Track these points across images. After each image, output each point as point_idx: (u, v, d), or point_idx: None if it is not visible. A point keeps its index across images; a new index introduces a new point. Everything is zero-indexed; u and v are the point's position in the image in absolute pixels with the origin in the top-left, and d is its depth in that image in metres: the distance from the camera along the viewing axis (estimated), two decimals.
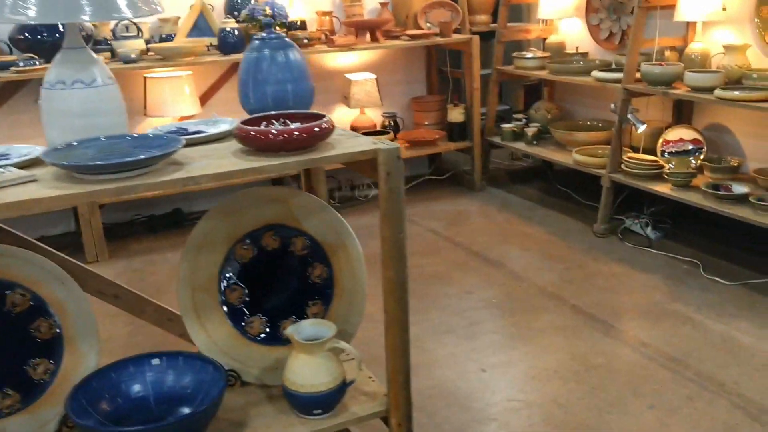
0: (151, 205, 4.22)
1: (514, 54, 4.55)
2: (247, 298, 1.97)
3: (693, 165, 3.61)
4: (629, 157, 3.70)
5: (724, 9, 3.48)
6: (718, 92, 3.18)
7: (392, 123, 4.73)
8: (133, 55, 3.63)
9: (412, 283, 3.29)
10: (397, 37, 4.42)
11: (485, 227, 4.03)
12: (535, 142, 4.46)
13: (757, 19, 3.40)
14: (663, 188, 3.50)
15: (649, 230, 3.74)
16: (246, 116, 1.81)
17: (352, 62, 4.66)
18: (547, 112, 4.65)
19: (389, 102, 4.85)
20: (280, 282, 2.00)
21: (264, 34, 1.91)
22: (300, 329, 1.77)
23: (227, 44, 3.87)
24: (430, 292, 3.20)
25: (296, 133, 1.59)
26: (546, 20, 4.66)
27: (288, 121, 1.73)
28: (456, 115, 4.62)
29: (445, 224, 4.08)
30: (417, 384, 2.48)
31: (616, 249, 3.63)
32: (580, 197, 4.31)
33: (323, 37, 4.20)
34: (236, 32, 3.87)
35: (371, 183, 4.71)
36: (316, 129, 1.62)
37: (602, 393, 2.40)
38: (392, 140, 4.41)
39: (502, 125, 4.65)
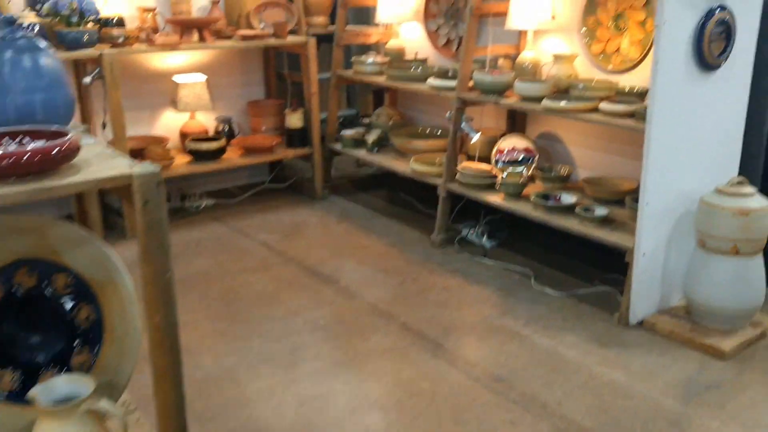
0: None
1: (353, 58, 4.39)
2: None
3: (525, 174, 3.59)
4: (463, 167, 3.63)
5: (553, 18, 3.49)
6: (545, 103, 3.16)
7: (226, 128, 4.44)
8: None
9: (235, 305, 3.08)
10: (228, 37, 4.14)
11: (322, 240, 3.84)
12: (375, 150, 4.33)
13: (584, 29, 3.42)
14: (495, 198, 3.46)
15: (484, 239, 3.70)
16: None
17: (181, 63, 4.33)
18: (388, 118, 4.53)
19: (224, 105, 4.56)
20: (38, 326, 1.69)
21: (5, 32, 1.59)
22: (51, 388, 1.48)
23: None
24: (253, 316, 2.96)
25: (28, 155, 1.31)
26: (386, 24, 4.54)
27: (29, 139, 1.44)
28: (294, 120, 4.40)
29: (279, 237, 3.85)
30: (225, 424, 2.25)
31: (452, 259, 3.55)
32: (422, 206, 4.23)
33: (143, 35, 3.84)
34: (37, 27, 3.44)
35: (203, 192, 4.41)
36: (56, 150, 1.34)
37: (423, 423, 2.26)
38: (224, 146, 4.13)
39: (342, 132, 4.49)
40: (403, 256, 3.60)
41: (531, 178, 3.57)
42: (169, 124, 4.36)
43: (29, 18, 3.45)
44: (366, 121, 4.66)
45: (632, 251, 2.79)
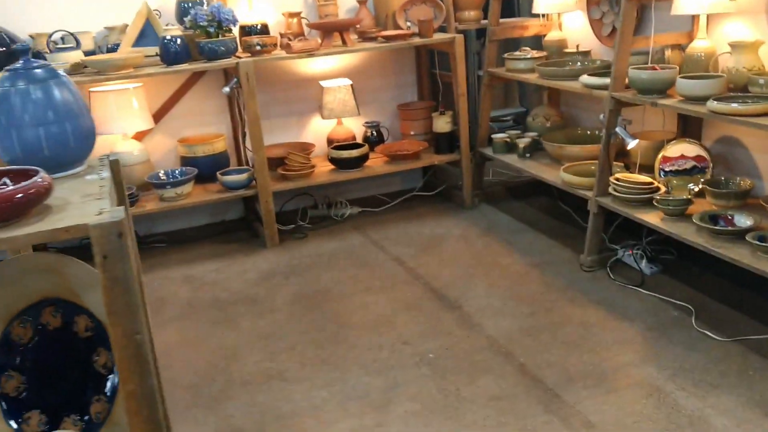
0: None
1: (506, 55, 4.00)
2: (26, 388, 1.60)
3: (691, 188, 3.01)
4: (616, 179, 3.12)
5: None
6: (711, 104, 2.58)
7: (374, 133, 4.28)
8: (61, 70, 3.31)
9: (347, 330, 2.88)
10: (373, 39, 3.96)
11: (458, 256, 3.53)
12: (527, 155, 3.92)
13: None
14: (652, 217, 2.92)
15: (644, 264, 3.16)
16: None
17: (330, 67, 4.24)
18: (545, 120, 4.09)
19: (375, 110, 4.40)
20: (63, 369, 1.61)
21: (20, 63, 1.50)
22: None
23: (169, 54, 3.52)
24: (361, 343, 2.75)
25: None
26: (546, 15, 4.09)
27: (7, 181, 1.33)
28: (442, 124, 4.12)
29: (415, 251, 3.61)
30: None
31: (600, 287, 3.07)
32: (581, 219, 3.73)
33: (282, 41, 3.79)
34: (178, 41, 3.51)
35: (350, 200, 4.28)
36: (18, 196, 1.22)
37: None
38: (367, 154, 3.97)
39: (493, 135, 4.12)
40: (543, 279, 3.19)
41: (700, 193, 2.98)
42: (317, 130, 4.29)
43: (173, 31, 3.52)
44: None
45: None
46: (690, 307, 2.79)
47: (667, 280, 3.06)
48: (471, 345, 2.68)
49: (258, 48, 3.64)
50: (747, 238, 2.50)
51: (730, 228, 2.64)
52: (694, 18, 3.12)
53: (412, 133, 4.31)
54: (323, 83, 4.08)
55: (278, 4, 4.03)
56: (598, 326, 2.74)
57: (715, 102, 2.57)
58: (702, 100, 2.69)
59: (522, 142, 3.91)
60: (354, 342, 2.76)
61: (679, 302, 2.84)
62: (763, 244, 2.44)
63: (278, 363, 2.65)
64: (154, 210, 3.61)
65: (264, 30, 3.87)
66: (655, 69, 2.95)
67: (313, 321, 2.95)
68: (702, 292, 2.92)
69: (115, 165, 1.59)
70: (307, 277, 3.38)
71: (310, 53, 3.71)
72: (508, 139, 4.06)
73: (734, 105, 2.51)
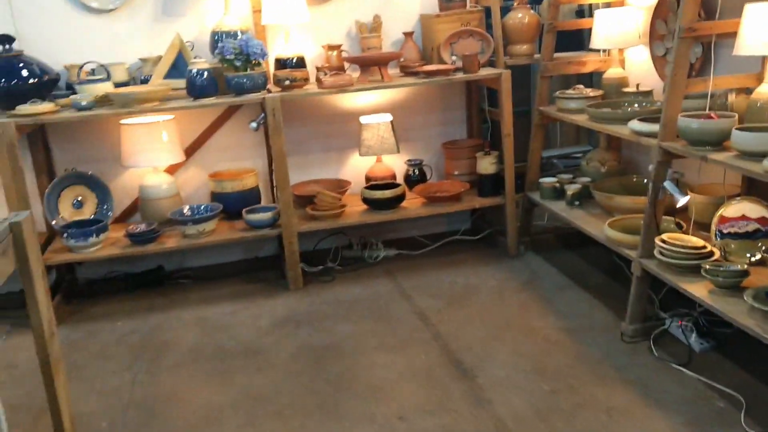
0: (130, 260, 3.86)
1: (557, 93, 3.66)
2: None
3: (752, 256, 2.58)
4: (663, 240, 2.73)
5: None
6: (766, 163, 2.19)
7: (416, 172, 4.03)
8: (84, 102, 3.27)
9: (344, 394, 2.57)
10: (415, 74, 3.73)
11: (487, 313, 3.21)
12: (576, 203, 3.56)
13: None
14: (700, 288, 2.52)
15: (693, 338, 2.75)
16: None
17: (372, 101, 4.03)
18: (600, 164, 3.71)
19: (419, 147, 4.16)
20: None
21: None
22: None
23: (195, 87, 3.41)
24: (353, 412, 2.50)
25: None
26: (605, 49, 3.73)
27: None
28: (486, 165, 3.82)
29: (442, 304, 3.32)
30: None
31: (639, 362, 2.68)
32: None
33: (317, 75, 3.61)
34: (205, 74, 3.40)
35: (386, 241, 4.04)
36: None
37: None
38: (403, 194, 3.73)
39: (541, 180, 3.78)
40: (575, 348, 2.83)
41: (761, 261, 2.56)
42: (357, 166, 4.09)
43: (200, 64, 3.42)
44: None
45: None
46: (740, 397, 2.37)
47: (718, 360, 2.64)
48: (475, 428, 2.37)
49: (287, 83, 3.48)
50: None
51: None
52: (764, 58, 2.70)
53: (456, 173, 4.03)
54: (362, 119, 3.88)
55: (320, 36, 3.87)
56: (626, 412, 2.37)
57: None
58: (759, 156, 2.30)
59: (571, 189, 3.56)
60: (346, 411, 2.51)
61: (728, 390, 2.43)
62: None
63: (259, 430, 2.43)
64: (174, 247, 3.50)
65: (300, 63, 3.71)
66: (711, 117, 2.56)
67: (310, 382, 2.72)
68: (755, 379, 2.49)
69: (16, 228, 1.42)
70: (320, 327, 3.16)
71: (341, 89, 3.51)
72: (557, 184, 3.71)
73: None
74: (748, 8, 2.51)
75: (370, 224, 3.81)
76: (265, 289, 3.66)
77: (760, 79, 2.72)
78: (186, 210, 3.65)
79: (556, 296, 3.32)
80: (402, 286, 3.57)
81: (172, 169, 3.83)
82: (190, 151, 3.88)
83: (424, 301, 3.36)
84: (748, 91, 2.76)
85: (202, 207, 3.68)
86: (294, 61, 3.71)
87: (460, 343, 2.94)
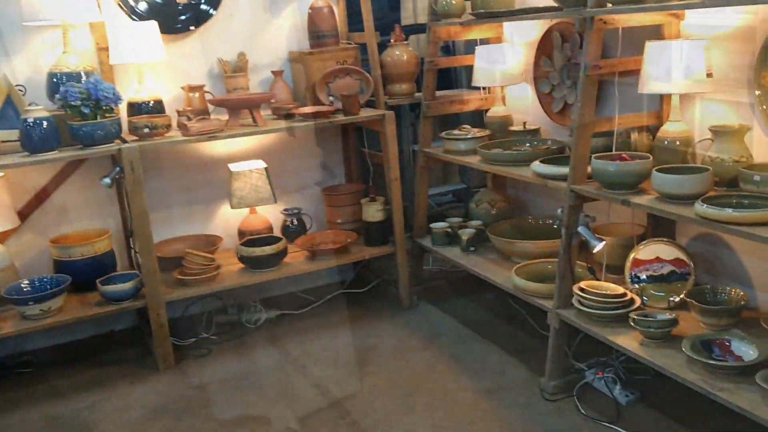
0: None
1: (443, 133, 3.47)
2: None
3: (673, 300, 2.48)
4: (581, 288, 2.57)
5: (709, 75, 2.38)
6: (700, 208, 2.07)
7: (294, 222, 3.67)
8: None
9: None
10: (289, 116, 3.38)
11: (395, 378, 2.90)
12: (472, 249, 3.36)
13: (758, 91, 2.31)
14: (628, 340, 2.37)
15: (617, 390, 2.60)
16: None
17: (243, 147, 3.63)
18: (490, 206, 3.55)
19: (296, 195, 3.80)
20: None
21: None
22: None
23: (32, 140, 2.85)
24: None
25: None
26: (487, 87, 3.60)
27: None
28: (372, 212, 3.53)
29: (342, 373, 2.97)
30: None
31: (568, 424, 2.48)
32: (537, 324, 3.16)
33: (179, 120, 3.17)
34: (44, 123, 2.85)
35: (265, 301, 3.63)
36: None
37: None
38: (285, 249, 3.34)
39: (432, 225, 3.56)
40: (497, 414, 2.58)
41: (681, 303, 2.46)
42: (227, 219, 3.66)
43: (37, 112, 2.86)
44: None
45: None
46: None
47: (644, 412, 2.50)
48: None
49: (146, 131, 3.00)
50: (757, 380, 1.95)
51: (731, 363, 2.10)
52: (662, 97, 2.65)
53: (339, 221, 3.71)
54: (231, 166, 3.46)
55: (178, 76, 3.43)
56: None
57: (705, 205, 2.06)
58: (684, 199, 2.19)
59: (465, 234, 3.36)
60: None
61: None
62: None
63: None
64: (11, 333, 2.88)
65: (158, 107, 3.25)
66: (624, 158, 2.44)
67: None
68: (688, 427, 2.36)
69: None
70: (205, 416, 2.69)
71: (212, 135, 3.10)
72: (449, 229, 3.50)
73: (730, 211, 2.00)
74: (649, 46, 2.44)
75: (247, 285, 3.38)
76: (129, 371, 3.11)
77: (660, 117, 2.67)
78: (25, 285, 3.04)
79: (462, 352, 3.08)
80: (291, 354, 3.17)
81: (2, 237, 3.20)
82: (25, 213, 3.26)
83: (320, 372, 2.99)
84: (649, 128, 2.69)
85: (46, 279, 3.08)
86: (151, 104, 3.24)
87: (370, 420, 2.60)
